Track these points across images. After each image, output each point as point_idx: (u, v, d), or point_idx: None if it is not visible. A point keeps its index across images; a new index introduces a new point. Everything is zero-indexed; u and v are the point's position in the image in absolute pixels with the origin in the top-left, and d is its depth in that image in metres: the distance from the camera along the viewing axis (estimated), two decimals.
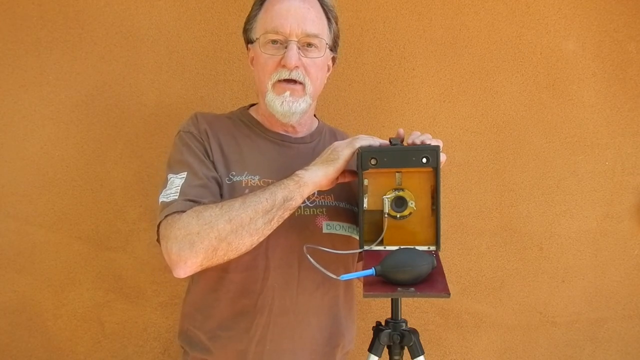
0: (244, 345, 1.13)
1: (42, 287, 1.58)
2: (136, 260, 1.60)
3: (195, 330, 1.18)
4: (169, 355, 1.62)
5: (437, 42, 1.69)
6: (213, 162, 1.16)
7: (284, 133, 1.26)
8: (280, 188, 1.05)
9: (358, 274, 1.00)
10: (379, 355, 1.10)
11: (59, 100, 1.58)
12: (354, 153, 1.08)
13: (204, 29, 1.62)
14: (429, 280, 0.99)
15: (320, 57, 1.20)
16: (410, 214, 1.07)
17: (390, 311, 1.11)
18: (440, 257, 1.05)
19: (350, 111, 1.68)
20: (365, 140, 1.09)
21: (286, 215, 1.06)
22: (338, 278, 0.98)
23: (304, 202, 1.12)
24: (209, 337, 1.15)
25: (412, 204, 1.07)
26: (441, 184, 1.05)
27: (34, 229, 1.57)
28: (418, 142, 1.08)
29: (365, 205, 1.07)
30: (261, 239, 1.05)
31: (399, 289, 0.96)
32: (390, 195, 1.07)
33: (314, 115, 1.34)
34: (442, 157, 1.06)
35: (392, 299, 1.10)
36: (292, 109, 1.17)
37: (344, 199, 1.24)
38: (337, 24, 1.25)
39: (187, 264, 1.01)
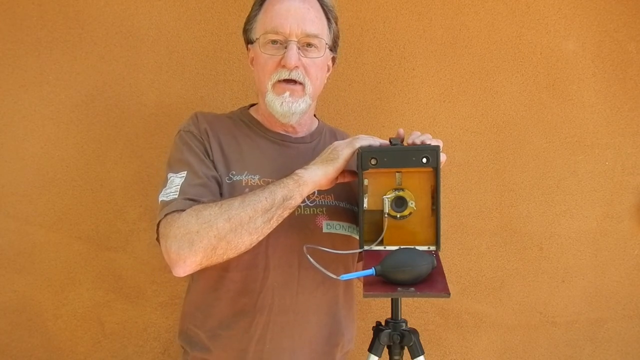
0: (244, 344, 1.13)
1: (42, 287, 1.57)
2: (136, 260, 1.60)
3: (195, 329, 1.18)
4: (169, 355, 1.62)
5: (437, 42, 1.69)
6: (213, 162, 1.16)
7: (284, 133, 1.26)
8: (279, 187, 1.05)
9: (358, 274, 1.00)
10: (379, 355, 1.10)
11: (59, 100, 1.58)
12: (354, 153, 1.08)
13: (204, 29, 1.62)
14: (429, 280, 0.99)
15: (320, 57, 1.20)
16: (410, 214, 1.07)
17: (390, 311, 1.11)
18: (440, 257, 1.05)
19: (350, 111, 1.68)
20: (365, 140, 1.09)
21: (285, 214, 1.06)
22: (338, 278, 0.98)
23: (303, 201, 1.12)
24: (209, 336, 1.15)
25: (412, 204, 1.07)
26: (441, 184, 1.05)
27: (34, 229, 1.57)
28: (418, 142, 1.08)
29: (365, 205, 1.07)
30: (260, 238, 1.05)
31: (399, 289, 0.96)
32: (390, 195, 1.07)
33: (314, 115, 1.34)
34: (442, 157, 1.06)
35: (392, 299, 1.10)
36: (291, 109, 1.17)
37: (344, 198, 1.24)
38: (337, 24, 1.25)
39: (186, 263, 1.01)
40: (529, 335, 1.72)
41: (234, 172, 1.16)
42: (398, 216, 1.07)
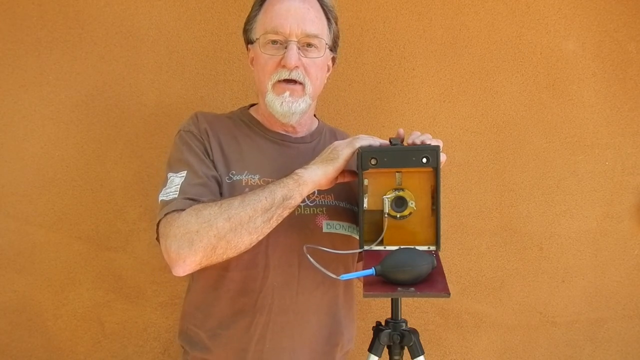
0: (244, 343, 1.13)
1: (42, 287, 1.58)
2: (136, 260, 1.60)
3: (195, 329, 1.18)
4: (169, 355, 1.62)
5: (437, 42, 1.69)
6: (213, 161, 1.16)
7: (284, 133, 1.26)
8: (279, 187, 1.05)
9: (358, 274, 1.00)
10: (379, 355, 1.10)
11: (59, 100, 1.58)
12: (354, 153, 1.08)
13: (204, 29, 1.62)
14: (429, 280, 0.99)
15: (320, 57, 1.20)
16: (410, 214, 1.07)
17: (390, 311, 1.11)
18: (440, 257, 1.05)
19: (350, 111, 1.68)
20: (365, 140, 1.09)
21: (285, 214, 1.06)
22: (338, 278, 0.98)
23: (303, 201, 1.12)
24: (209, 336, 1.15)
25: (412, 204, 1.07)
26: (441, 184, 1.05)
27: (34, 229, 1.57)
28: (418, 142, 1.08)
29: (365, 205, 1.07)
30: (260, 238, 1.05)
31: (399, 288, 0.96)
32: (390, 195, 1.07)
33: (314, 115, 1.34)
34: (442, 157, 1.06)
35: (392, 299, 1.10)
36: (291, 109, 1.18)
37: (344, 198, 1.24)
38: (337, 24, 1.25)
39: (186, 262, 1.01)
40: (529, 335, 1.72)
41: (234, 172, 1.16)
42: (398, 216, 1.07)
